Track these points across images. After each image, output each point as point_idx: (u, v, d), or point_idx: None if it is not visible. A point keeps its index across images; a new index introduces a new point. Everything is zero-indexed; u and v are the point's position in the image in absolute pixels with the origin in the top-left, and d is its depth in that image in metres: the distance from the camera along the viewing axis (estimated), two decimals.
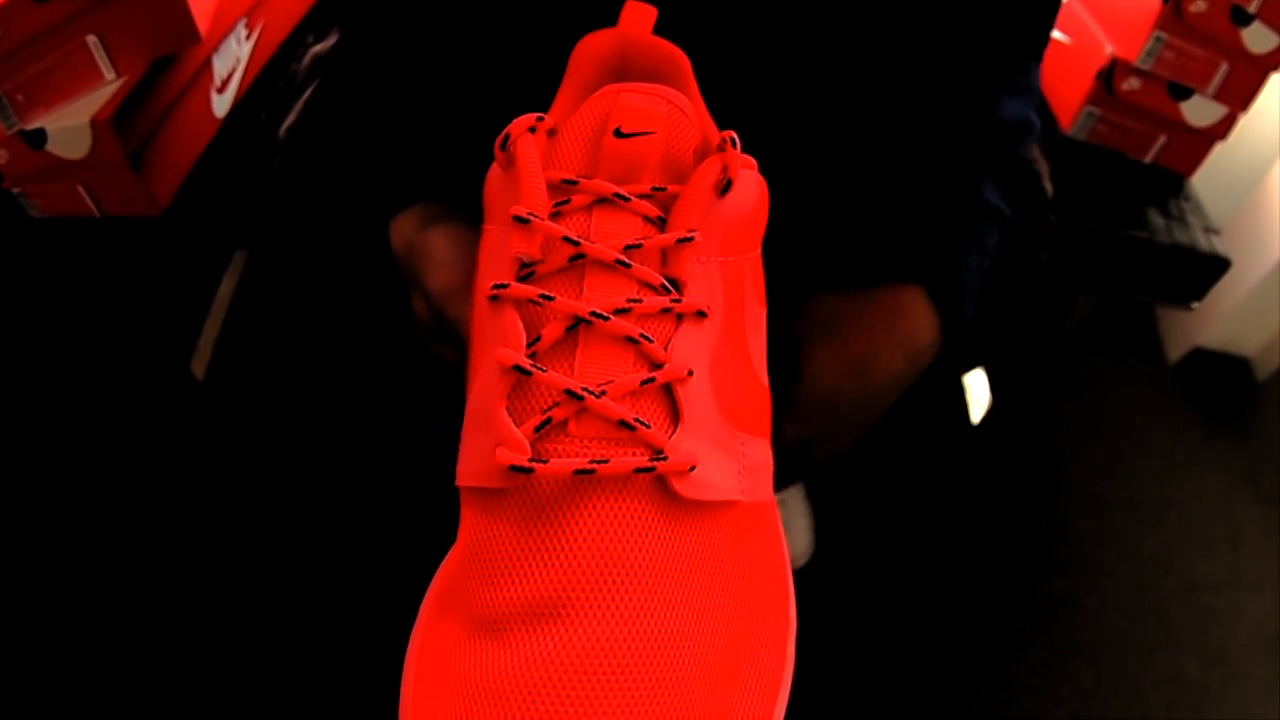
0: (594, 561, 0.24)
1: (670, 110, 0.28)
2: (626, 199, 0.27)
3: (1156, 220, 0.82)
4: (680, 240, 0.27)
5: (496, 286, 0.27)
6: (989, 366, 1.11)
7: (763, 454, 0.30)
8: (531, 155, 0.27)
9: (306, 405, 0.85)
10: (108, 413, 0.82)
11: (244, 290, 0.79)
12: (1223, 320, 1.33)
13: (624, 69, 0.31)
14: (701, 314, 0.27)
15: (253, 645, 0.80)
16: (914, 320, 0.42)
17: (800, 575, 0.30)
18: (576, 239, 0.26)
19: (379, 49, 0.45)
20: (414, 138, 0.43)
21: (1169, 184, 0.87)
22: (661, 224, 0.28)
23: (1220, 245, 0.83)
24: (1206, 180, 0.89)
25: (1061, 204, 0.73)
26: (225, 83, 0.64)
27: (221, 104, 0.65)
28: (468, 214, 0.39)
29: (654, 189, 0.27)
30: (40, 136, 0.55)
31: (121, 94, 0.56)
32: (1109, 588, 1.07)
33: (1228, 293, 1.27)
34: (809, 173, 0.42)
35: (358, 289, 0.60)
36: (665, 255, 0.27)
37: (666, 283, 0.27)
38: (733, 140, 0.28)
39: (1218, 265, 0.83)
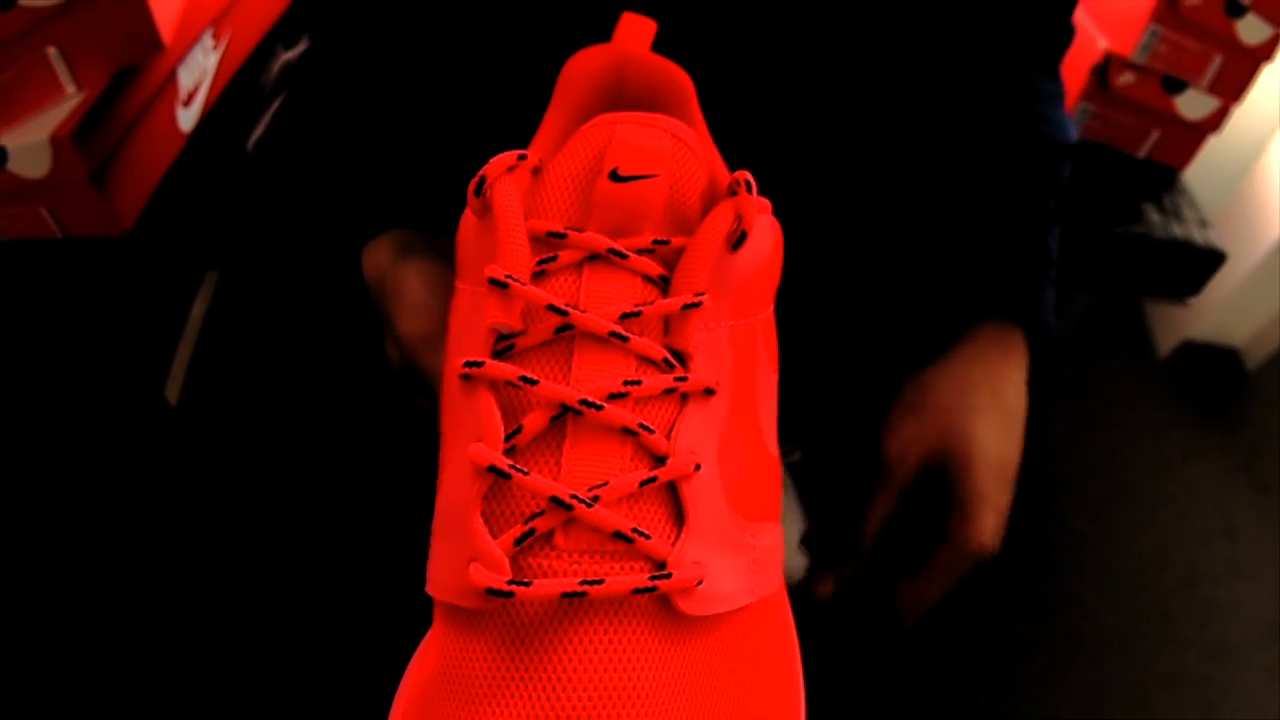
0: (585, 694, 0.20)
1: (675, 146, 0.24)
2: (624, 255, 0.23)
3: (1152, 215, 0.82)
4: (686, 306, 0.23)
5: (469, 365, 0.22)
6: None
7: (773, 541, 0.26)
8: (511, 204, 0.23)
9: (283, 429, 0.83)
10: (79, 440, 0.80)
11: (216, 312, 0.77)
12: (1213, 312, 1.33)
13: (618, 91, 0.27)
14: (709, 391, 0.23)
15: (225, 671, 0.78)
16: (1020, 353, 0.42)
17: (797, 589, 0.29)
18: (564, 307, 0.22)
19: (351, 59, 0.42)
20: (387, 159, 0.40)
21: (1162, 178, 0.86)
22: (664, 284, 0.23)
23: (1214, 238, 0.82)
24: (1196, 173, 0.88)
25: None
26: (191, 96, 0.62)
27: (188, 118, 0.62)
28: (447, 241, 0.37)
29: (655, 242, 0.23)
30: (0, 156, 0.53)
31: (83, 108, 0.54)
32: (1108, 586, 1.07)
33: (1218, 285, 1.26)
34: (836, 214, 0.40)
35: (333, 310, 0.58)
36: (668, 323, 0.23)
37: (670, 356, 0.23)
38: (747, 183, 0.24)
39: (1213, 259, 0.83)
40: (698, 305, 0.23)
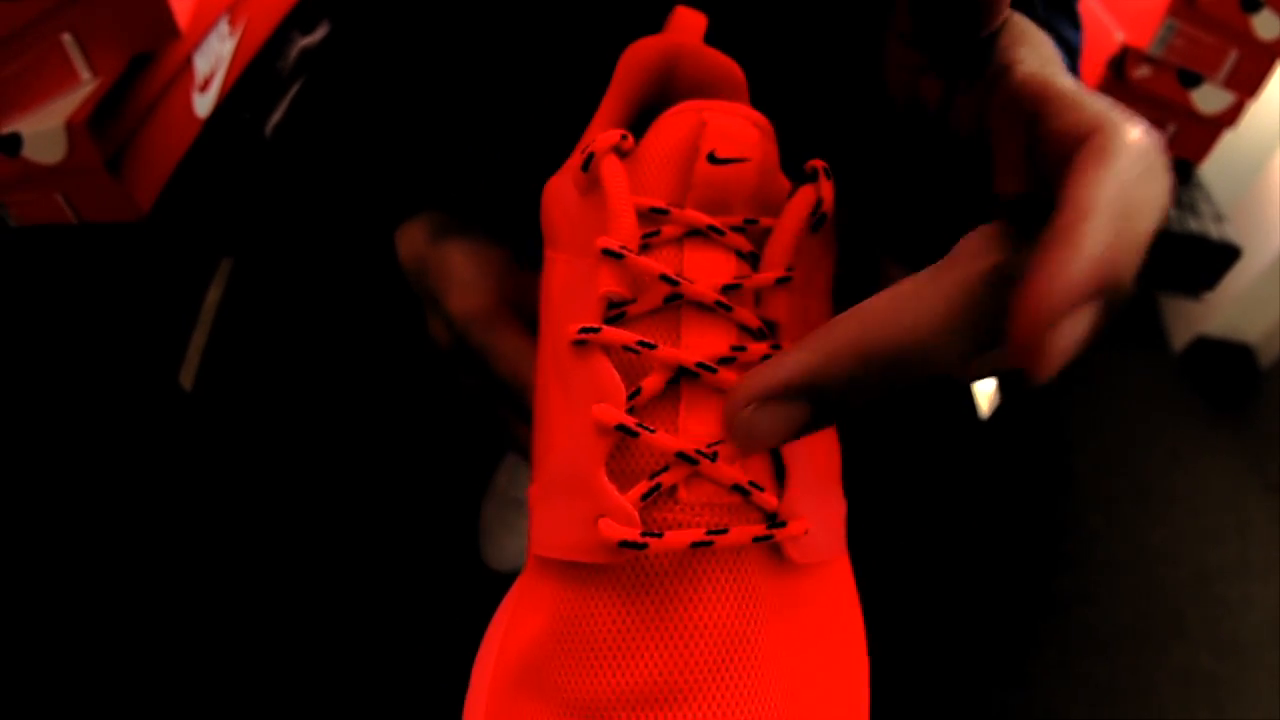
0: (714, 642, 0.22)
1: (762, 135, 0.25)
2: (721, 232, 0.24)
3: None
4: (779, 280, 0.24)
5: (585, 330, 0.24)
6: None
7: (841, 505, 0.28)
8: (620, 180, 0.24)
9: (297, 415, 0.84)
10: (95, 425, 0.80)
11: (231, 298, 0.77)
12: (1227, 308, 1.32)
13: (669, 81, 0.28)
14: None
15: (239, 656, 0.78)
16: None
17: None
18: (675, 277, 0.24)
19: (373, 40, 0.42)
20: (418, 140, 0.40)
21: (1178, 172, 0.86)
22: (753, 260, 0.25)
23: (1229, 233, 0.82)
24: (1211, 167, 0.88)
25: None
26: (207, 81, 0.62)
27: (204, 104, 0.62)
28: (480, 225, 0.37)
29: (746, 221, 0.25)
30: (15, 142, 0.53)
31: (98, 95, 0.54)
32: (1121, 581, 1.06)
33: (1232, 280, 1.26)
34: (879, 198, 0.39)
35: (348, 294, 0.58)
36: (759, 295, 0.25)
37: (764, 326, 0.24)
38: (826, 171, 0.25)
39: (1228, 254, 0.82)
40: (789, 280, 0.24)
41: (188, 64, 0.60)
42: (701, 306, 0.24)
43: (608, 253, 0.23)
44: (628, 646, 0.22)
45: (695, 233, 0.24)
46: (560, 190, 0.27)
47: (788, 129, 0.28)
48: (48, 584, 0.81)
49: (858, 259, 0.31)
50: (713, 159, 0.24)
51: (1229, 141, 0.86)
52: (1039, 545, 1.08)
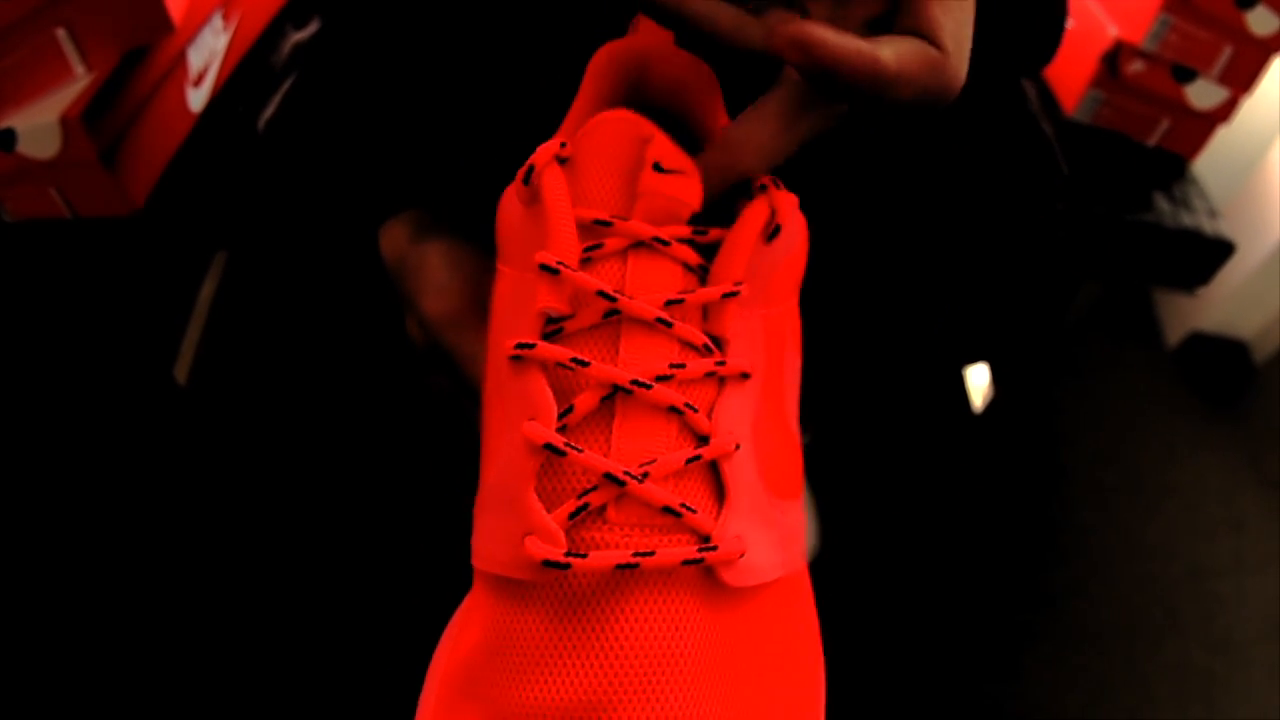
0: (637, 660, 0.22)
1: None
2: (666, 244, 0.24)
3: (1161, 204, 0.81)
4: (726, 295, 0.24)
5: (521, 346, 0.23)
6: (991, 356, 1.11)
7: (797, 519, 0.28)
8: (560, 192, 0.24)
9: (292, 409, 0.84)
10: (89, 420, 0.80)
11: (226, 292, 0.77)
12: (1221, 303, 1.32)
13: (642, 83, 0.28)
14: (745, 375, 0.25)
15: (232, 650, 0.79)
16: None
17: (809, 569, 0.29)
18: (613, 293, 0.23)
19: (364, 35, 0.42)
20: (402, 139, 0.40)
21: (1172, 167, 0.86)
22: (701, 273, 0.25)
23: (1224, 228, 0.82)
24: (1205, 163, 0.88)
25: (1067, 187, 0.72)
26: (201, 76, 0.62)
27: (198, 98, 0.62)
28: (464, 224, 0.37)
29: (695, 232, 0.24)
30: (10, 137, 0.53)
31: (92, 89, 0.54)
32: (1115, 576, 1.06)
33: (1227, 276, 1.26)
34: (850, 206, 0.40)
35: (343, 289, 0.58)
36: (706, 310, 0.25)
37: (709, 341, 0.24)
38: (775, 181, 0.25)
39: (1222, 249, 0.82)
40: (735, 294, 0.24)
41: (181, 58, 0.60)
42: (641, 323, 0.24)
43: (545, 268, 0.23)
44: (555, 663, 0.22)
45: (640, 245, 0.24)
46: (507, 202, 0.27)
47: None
48: (41, 578, 0.81)
49: (821, 268, 0.31)
50: (659, 168, 0.24)
51: (1223, 137, 0.86)
52: (1032, 539, 1.08)
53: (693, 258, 0.24)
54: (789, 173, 0.27)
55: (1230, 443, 1.26)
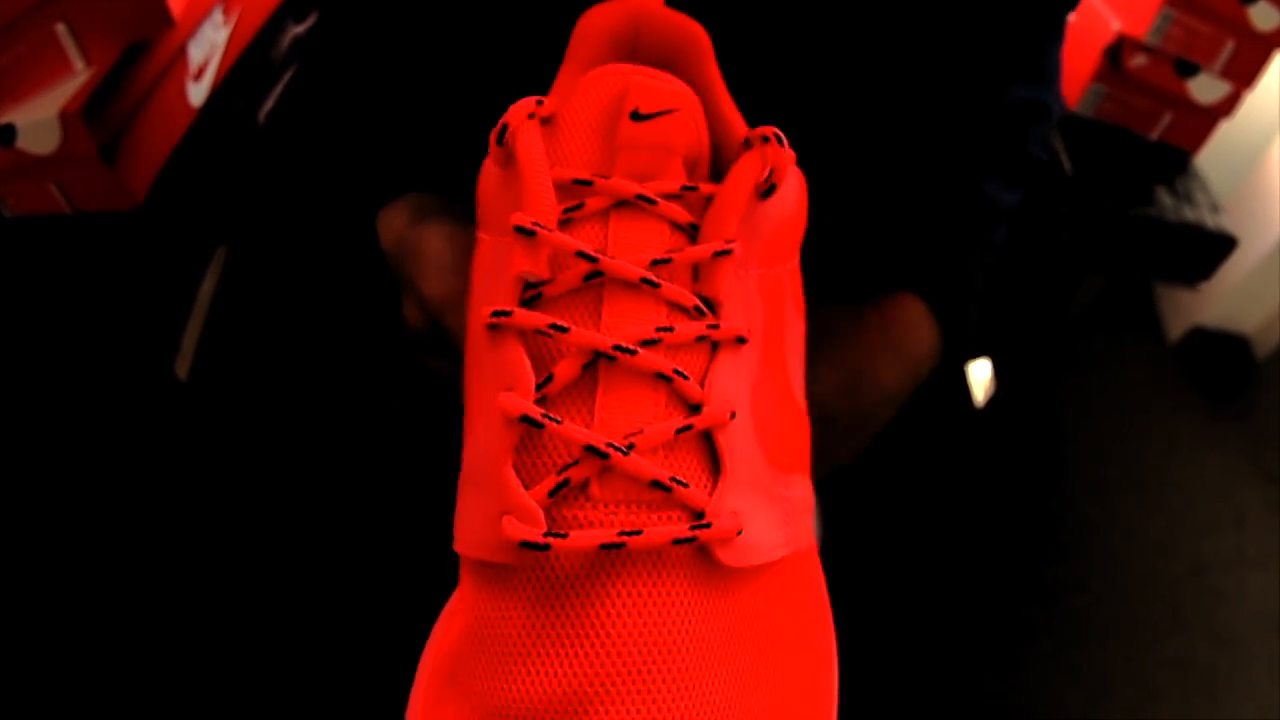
0: (625, 650, 0.20)
1: (691, 94, 0.24)
2: (652, 201, 0.22)
3: (1164, 198, 0.81)
4: (717, 254, 0.22)
5: (496, 314, 0.22)
6: (993, 351, 1.10)
7: (805, 493, 0.26)
8: (535, 150, 0.22)
9: (294, 405, 0.84)
10: (89, 416, 0.80)
11: (227, 287, 0.77)
12: (1223, 299, 1.32)
13: (634, 47, 0.26)
14: (741, 340, 0.23)
15: (232, 646, 0.79)
16: (912, 331, 0.40)
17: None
18: (593, 253, 0.22)
19: (362, 27, 0.42)
20: (401, 123, 0.40)
21: (1174, 161, 0.86)
22: (692, 231, 0.23)
23: (1226, 223, 0.82)
24: (1207, 157, 0.88)
25: (1070, 182, 0.72)
26: (201, 70, 0.62)
27: (198, 93, 0.62)
28: (464, 207, 0.36)
29: (684, 189, 0.23)
30: (9, 132, 0.53)
31: (92, 84, 0.54)
32: (1116, 571, 1.06)
33: (1228, 271, 1.26)
34: (820, 173, 0.40)
35: (345, 283, 0.58)
36: (697, 271, 0.23)
37: (700, 304, 0.23)
38: (778, 137, 0.23)
39: (1224, 244, 0.82)
40: (728, 253, 0.22)
41: (182, 53, 0.60)
42: (625, 284, 0.22)
43: (520, 230, 0.21)
44: (539, 653, 0.20)
45: (624, 203, 0.22)
46: (486, 168, 0.26)
47: (758, 96, 0.28)
48: (40, 574, 0.81)
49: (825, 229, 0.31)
50: (636, 116, 0.22)
51: (1225, 132, 0.86)
52: (1034, 535, 1.08)
53: (682, 215, 0.23)
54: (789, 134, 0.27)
55: (1231, 438, 1.26)
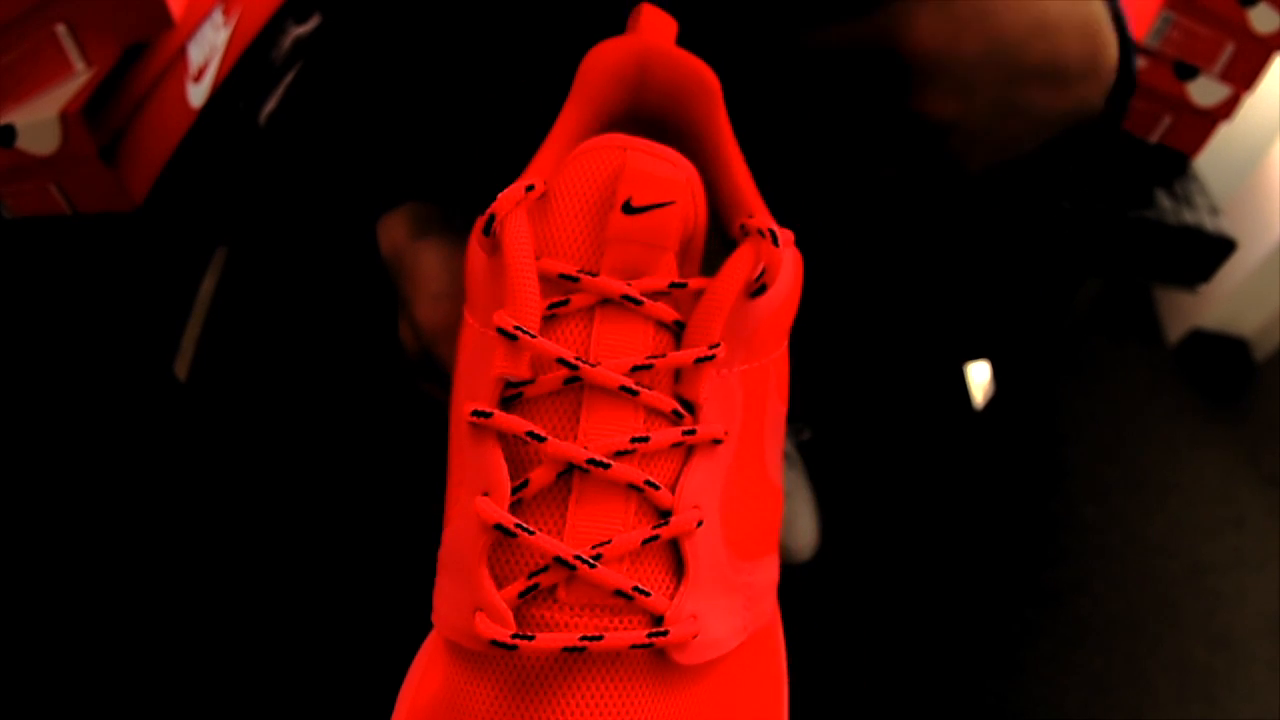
0: None
1: (687, 174, 0.23)
2: (638, 301, 0.22)
3: (1163, 201, 0.81)
4: (700, 360, 0.22)
5: (477, 415, 0.22)
6: (993, 353, 1.10)
7: (770, 572, 0.26)
8: (522, 244, 0.22)
9: (293, 406, 0.84)
10: (89, 417, 0.80)
11: (226, 288, 0.77)
12: (1222, 301, 1.32)
13: (640, 85, 0.26)
14: (717, 441, 0.23)
15: (232, 647, 0.79)
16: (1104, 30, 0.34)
17: (805, 568, 0.29)
18: (574, 361, 0.22)
19: (366, 30, 0.42)
20: (403, 130, 0.40)
21: (1173, 164, 0.86)
22: (677, 330, 0.23)
23: (1225, 226, 0.82)
24: (1207, 160, 0.88)
25: (1068, 185, 0.72)
26: (201, 71, 0.62)
27: (198, 93, 0.62)
28: (464, 219, 0.36)
29: (672, 285, 0.23)
30: (9, 133, 0.53)
31: (92, 85, 0.54)
32: (1115, 573, 1.06)
33: (1227, 274, 1.26)
34: (853, 212, 0.39)
35: (344, 285, 0.58)
36: (679, 373, 0.23)
37: (680, 407, 0.23)
38: (772, 233, 0.23)
39: (1224, 247, 0.82)
40: (711, 358, 0.23)
41: (182, 54, 0.60)
42: (605, 391, 0.22)
43: (502, 332, 0.22)
44: None
45: (609, 302, 0.22)
46: (472, 250, 0.25)
47: (765, 142, 0.27)
48: (40, 574, 0.81)
49: (821, 272, 0.30)
50: (628, 209, 0.22)
51: (1225, 134, 0.85)
52: (1032, 536, 1.08)
53: (668, 314, 0.23)
54: (792, 182, 0.26)
55: (1230, 440, 1.26)
